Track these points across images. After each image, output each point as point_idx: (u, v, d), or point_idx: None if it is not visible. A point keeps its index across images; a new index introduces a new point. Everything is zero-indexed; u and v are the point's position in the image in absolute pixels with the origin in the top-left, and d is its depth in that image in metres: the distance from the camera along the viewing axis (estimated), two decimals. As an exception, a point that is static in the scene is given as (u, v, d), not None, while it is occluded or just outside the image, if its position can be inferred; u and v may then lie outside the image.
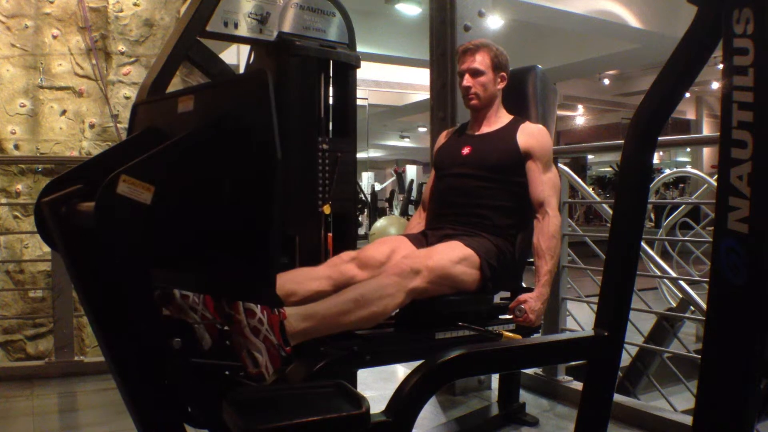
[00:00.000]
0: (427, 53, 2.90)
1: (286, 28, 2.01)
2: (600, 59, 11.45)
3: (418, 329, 1.86)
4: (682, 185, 18.74)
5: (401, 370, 2.88)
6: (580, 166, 19.76)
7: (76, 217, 1.14)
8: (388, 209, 13.93)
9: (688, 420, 2.23)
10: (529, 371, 2.81)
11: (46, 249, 3.39)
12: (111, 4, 3.69)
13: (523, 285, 2.19)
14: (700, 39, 1.07)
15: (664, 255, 5.31)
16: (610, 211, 2.79)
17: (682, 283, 3.65)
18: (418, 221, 2.36)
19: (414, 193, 12.24)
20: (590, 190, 4.00)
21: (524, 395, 2.63)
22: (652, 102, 1.15)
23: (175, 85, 2.33)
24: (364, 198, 10.41)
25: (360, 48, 2.20)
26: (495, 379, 2.80)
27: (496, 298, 2.15)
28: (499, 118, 2.24)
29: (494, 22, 7.90)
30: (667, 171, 12.92)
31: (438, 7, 2.81)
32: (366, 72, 11.11)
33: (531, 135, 2.15)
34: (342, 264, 1.90)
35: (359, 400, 1.08)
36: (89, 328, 3.17)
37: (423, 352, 1.79)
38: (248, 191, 1.07)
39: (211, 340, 1.48)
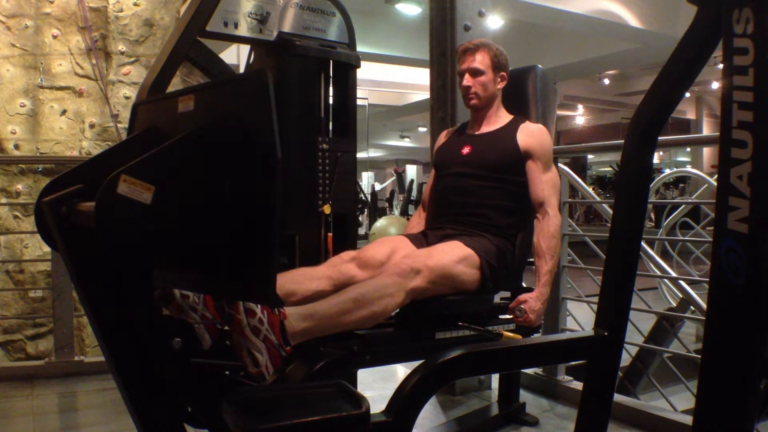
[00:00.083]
0: (427, 53, 2.90)
1: (286, 28, 2.01)
2: (600, 59, 11.46)
3: (418, 329, 1.86)
4: (682, 185, 18.74)
5: (401, 370, 2.88)
6: (580, 166, 19.77)
7: (76, 217, 1.14)
8: (388, 209, 13.92)
9: (688, 420, 2.23)
10: (529, 371, 2.81)
11: (46, 249, 3.39)
12: (111, 4, 3.69)
13: (523, 285, 2.19)
14: (700, 39, 1.07)
15: (664, 255, 5.31)
16: (610, 211, 2.79)
17: (682, 283, 3.65)
18: (418, 221, 2.36)
19: (414, 193, 12.23)
20: (590, 190, 4.00)
21: (524, 395, 2.63)
22: (652, 102, 1.15)
23: (175, 85, 2.33)
24: (364, 198, 10.41)
25: (360, 48, 2.20)
26: (495, 379, 2.80)
27: (496, 298, 2.14)
28: (499, 118, 2.24)
29: (494, 22, 7.89)
30: (667, 171, 12.93)
31: (438, 7, 2.81)
32: (366, 72, 11.14)
33: (531, 135, 2.15)
34: (342, 264, 1.90)
35: (359, 400, 1.08)
36: (89, 328, 3.17)
37: (423, 352, 1.79)
38: (248, 191, 1.07)
39: (211, 340, 1.48)
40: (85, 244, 1.13)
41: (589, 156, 20.38)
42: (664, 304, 5.11)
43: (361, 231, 9.45)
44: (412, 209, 11.37)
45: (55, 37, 3.62)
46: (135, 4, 3.74)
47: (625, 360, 4.03)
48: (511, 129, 2.18)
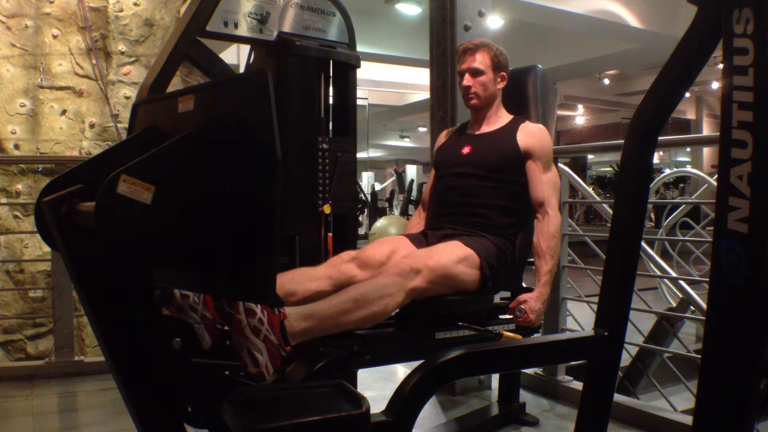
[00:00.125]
0: (427, 53, 2.90)
1: (286, 28, 2.01)
2: (600, 59, 11.46)
3: (418, 329, 1.86)
4: (682, 185, 18.74)
5: (401, 370, 2.88)
6: (580, 166, 19.77)
7: (76, 217, 1.14)
8: (388, 209, 13.92)
9: (688, 420, 2.23)
10: (529, 371, 2.81)
11: (46, 249, 3.39)
12: (111, 3, 3.69)
13: (523, 285, 2.19)
14: (700, 39, 1.07)
15: (664, 255, 5.31)
16: (610, 211, 2.79)
17: (682, 283, 3.65)
18: (418, 221, 2.36)
19: (414, 193, 12.23)
20: (590, 190, 4.00)
21: (524, 395, 2.63)
22: (652, 102, 1.15)
23: (175, 85, 2.33)
24: (364, 198, 10.40)
25: (360, 48, 2.20)
26: (495, 379, 2.80)
27: (496, 298, 2.14)
28: (499, 118, 2.24)
29: (494, 22, 7.90)
30: (667, 171, 12.92)
31: (438, 7, 2.81)
32: (366, 72, 11.15)
33: (531, 134, 2.15)
34: (342, 264, 1.90)
35: (359, 400, 1.08)
36: (89, 328, 3.17)
37: (423, 352, 1.79)
38: (248, 191, 1.07)
39: (211, 340, 1.48)
40: (85, 244, 1.13)
41: (589, 156, 20.39)
42: (664, 304, 5.11)
43: (361, 231, 9.45)
44: (412, 209, 11.37)
45: (55, 37, 3.62)
46: (135, 4, 3.74)
47: (625, 360, 4.03)
48: (511, 129, 2.18)
